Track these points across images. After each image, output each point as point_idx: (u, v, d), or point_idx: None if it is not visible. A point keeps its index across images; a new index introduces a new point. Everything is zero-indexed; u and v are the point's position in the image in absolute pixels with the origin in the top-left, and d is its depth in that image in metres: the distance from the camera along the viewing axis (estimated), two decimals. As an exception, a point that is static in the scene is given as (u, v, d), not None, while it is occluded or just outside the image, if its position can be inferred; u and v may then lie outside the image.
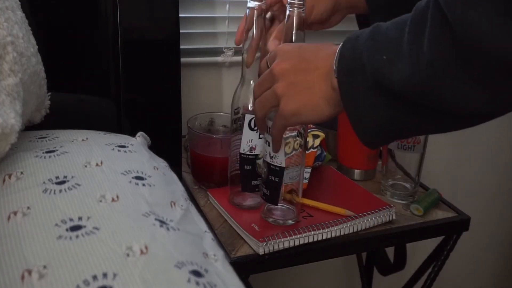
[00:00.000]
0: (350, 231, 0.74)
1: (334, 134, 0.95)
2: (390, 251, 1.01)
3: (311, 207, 0.77)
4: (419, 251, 1.03)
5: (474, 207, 1.07)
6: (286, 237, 0.69)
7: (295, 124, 0.65)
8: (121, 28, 0.78)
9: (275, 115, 0.61)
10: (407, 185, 0.86)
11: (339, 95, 0.55)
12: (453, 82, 0.48)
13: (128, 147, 0.62)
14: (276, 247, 0.68)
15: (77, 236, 0.42)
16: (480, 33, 0.45)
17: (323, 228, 0.71)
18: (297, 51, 0.59)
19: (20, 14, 0.63)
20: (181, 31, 0.84)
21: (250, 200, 0.76)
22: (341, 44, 0.56)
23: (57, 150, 0.57)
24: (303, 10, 0.65)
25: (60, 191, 0.49)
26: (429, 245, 0.88)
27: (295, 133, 0.67)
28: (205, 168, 0.84)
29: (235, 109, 0.73)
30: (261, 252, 0.68)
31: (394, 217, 0.78)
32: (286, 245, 0.69)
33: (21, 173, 0.52)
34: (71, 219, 0.45)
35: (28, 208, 0.46)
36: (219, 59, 1.05)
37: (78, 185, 0.50)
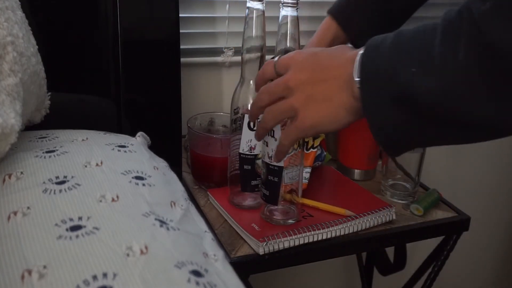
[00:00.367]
0: (350, 231, 0.74)
1: (334, 134, 0.95)
2: (390, 251, 1.01)
3: (311, 207, 0.77)
4: (419, 251, 1.03)
5: (474, 207, 1.07)
6: (286, 237, 0.69)
7: (312, 136, 0.63)
8: (121, 28, 0.78)
9: (290, 126, 0.59)
10: (407, 185, 0.86)
11: (362, 106, 0.53)
12: (489, 99, 0.47)
13: (128, 147, 0.62)
14: (276, 247, 0.68)
15: (77, 236, 0.42)
16: None
17: (323, 228, 0.71)
18: (311, 61, 0.58)
19: (20, 14, 0.63)
20: (181, 31, 0.84)
21: (250, 200, 0.76)
22: (361, 52, 0.54)
23: (57, 150, 0.57)
24: (297, 9, 0.65)
25: (60, 191, 0.49)
26: (429, 245, 0.88)
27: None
28: (205, 168, 0.84)
29: (235, 109, 0.73)
30: (261, 252, 0.68)
31: (394, 217, 0.78)
32: (286, 245, 0.69)
33: (21, 173, 0.52)
34: (71, 219, 0.45)
35: (28, 208, 0.46)
36: (219, 59, 1.05)
37: (78, 185, 0.50)
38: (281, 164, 0.68)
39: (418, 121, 0.51)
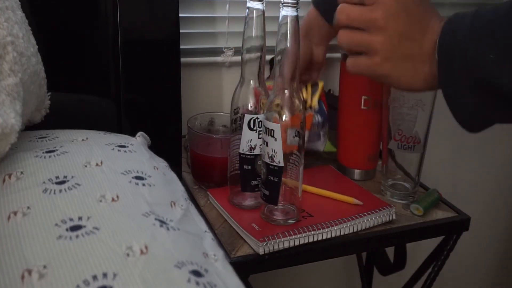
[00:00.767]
0: (350, 231, 0.74)
1: (334, 134, 0.95)
2: (390, 251, 1.01)
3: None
4: (419, 251, 1.03)
5: (474, 207, 1.07)
6: (286, 237, 0.69)
7: (379, 82, 0.65)
8: (121, 28, 0.78)
9: (363, 59, 0.58)
10: (407, 185, 0.86)
11: (441, 88, 0.54)
12: None
13: (128, 147, 0.62)
14: (276, 247, 0.68)
15: (77, 236, 0.42)
16: None
17: (323, 228, 0.71)
18: (404, 15, 0.56)
19: (20, 14, 0.63)
20: (181, 31, 0.84)
21: (250, 200, 0.76)
22: (441, 31, 0.53)
23: (57, 150, 0.57)
24: (297, 9, 0.65)
25: (60, 191, 0.49)
26: (429, 245, 0.88)
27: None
28: (205, 168, 0.84)
29: (235, 109, 0.73)
30: (261, 252, 0.68)
31: (394, 217, 0.78)
32: (286, 245, 0.69)
33: (21, 173, 0.52)
34: (71, 219, 0.45)
35: (28, 208, 0.46)
36: (219, 59, 1.05)
37: (78, 185, 0.50)
38: (281, 164, 0.68)
39: (499, 104, 0.51)
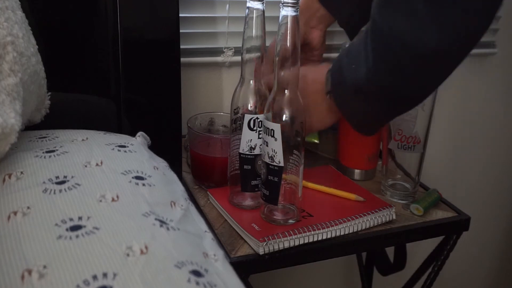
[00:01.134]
0: (350, 231, 0.74)
1: (334, 134, 0.95)
2: (390, 251, 1.01)
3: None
4: (419, 251, 1.03)
5: (474, 207, 1.07)
6: (286, 237, 0.69)
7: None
8: (121, 28, 0.78)
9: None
10: (407, 185, 0.86)
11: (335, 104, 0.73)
12: (393, 72, 0.64)
13: (128, 147, 0.62)
14: (276, 247, 0.68)
15: (77, 236, 0.42)
16: (399, 32, 0.60)
17: (323, 228, 0.71)
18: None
19: (20, 14, 0.63)
20: (181, 31, 0.84)
21: (250, 200, 0.76)
22: (331, 66, 0.73)
23: (57, 150, 0.57)
24: (297, 10, 0.65)
25: (60, 191, 0.49)
26: (429, 245, 0.88)
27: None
28: (205, 168, 0.84)
29: (235, 109, 0.73)
30: (261, 252, 0.68)
31: (394, 217, 0.78)
32: (286, 245, 0.69)
33: (21, 173, 0.52)
34: (71, 219, 0.45)
35: (28, 208, 0.46)
36: (219, 59, 1.05)
37: (78, 185, 0.50)
38: (281, 163, 0.68)
39: (367, 102, 0.69)
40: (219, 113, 0.90)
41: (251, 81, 0.72)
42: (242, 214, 0.74)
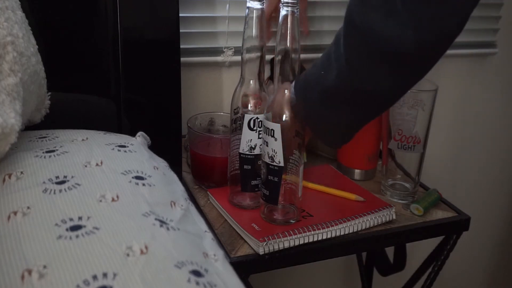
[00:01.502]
0: (350, 231, 0.74)
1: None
2: (390, 251, 1.01)
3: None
4: (419, 251, 1.03)
5: (474, 207, 1.07)
6: (286, 236, 0.69)
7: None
8: (121, 28, 0.78)
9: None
10: (407, 185, 0.86)
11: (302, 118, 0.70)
12: (367, 71, 0.63)
13: (128, 147, 0.62)
14: (276, 247, 0.68)
15: (77, 236, 0.42)
16: (376, 30, 0.59)
17: (323, 228, 0.71)
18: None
19: (20, 14, 0.63)
20: (181, 31, 0.84)
21: (250, 199, 0.76)
22: (293, 83, 0.70)
23: (57, 150, 0.57)
24: (297, 9, 0.65)
25: (60, 191, 0.49)
26: (429, 245, 0.88)
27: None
28: (205, 168, 0.84)
29: (235, 109, 0.73)
30: (261, 252, 0.68)
31: (394, 217, 0.78)
32: (286, 245, 0.69)
33: (21, 173, 0.52)
34: (71, 219, 0.45)
35: (28, 208, 0.46)
36: (219, 59, 1.05)
37: (78, 185, 0.50)
38: (281, 163, 0.68)
39: (341, 108, 0.68)
40: (219, 113, 0.90)
41: (251, 81, 0.72)
42: (242, 214, 0.74)
